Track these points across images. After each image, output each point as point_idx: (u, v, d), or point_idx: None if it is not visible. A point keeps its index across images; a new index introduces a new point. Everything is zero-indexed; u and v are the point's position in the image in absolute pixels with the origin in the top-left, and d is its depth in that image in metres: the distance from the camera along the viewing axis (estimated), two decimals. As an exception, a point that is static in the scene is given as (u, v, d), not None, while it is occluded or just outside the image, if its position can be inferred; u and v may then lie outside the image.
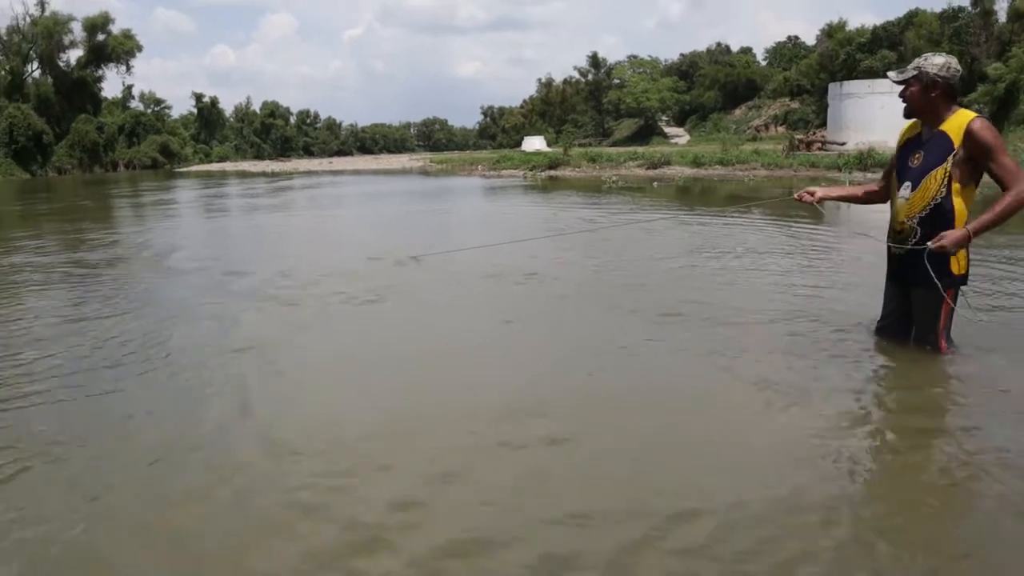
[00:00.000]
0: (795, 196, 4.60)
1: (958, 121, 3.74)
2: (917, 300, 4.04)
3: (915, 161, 3.92)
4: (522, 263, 7.48)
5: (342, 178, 35.63)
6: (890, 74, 4.03)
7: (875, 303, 4.51)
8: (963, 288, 3.95)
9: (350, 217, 15.07)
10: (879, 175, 19.13)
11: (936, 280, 3.80)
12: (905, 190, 3.95)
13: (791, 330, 4.83)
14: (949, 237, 3.72)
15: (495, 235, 9.70)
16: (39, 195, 30.07)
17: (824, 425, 3.32)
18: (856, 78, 40.61)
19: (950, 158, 3.75)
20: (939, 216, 3.81)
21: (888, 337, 4.33)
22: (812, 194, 4.49)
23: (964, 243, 3.75)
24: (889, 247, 4.15)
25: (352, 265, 7.99)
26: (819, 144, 33.11)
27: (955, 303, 3.94)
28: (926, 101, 3.84)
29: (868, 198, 4.49)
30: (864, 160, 23.31)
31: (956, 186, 3.76)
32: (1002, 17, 44.20)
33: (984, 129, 3.67)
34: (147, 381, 4.20)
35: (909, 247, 3.95)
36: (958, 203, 3.78)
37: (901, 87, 3.94)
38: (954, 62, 3.83)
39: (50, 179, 52.22)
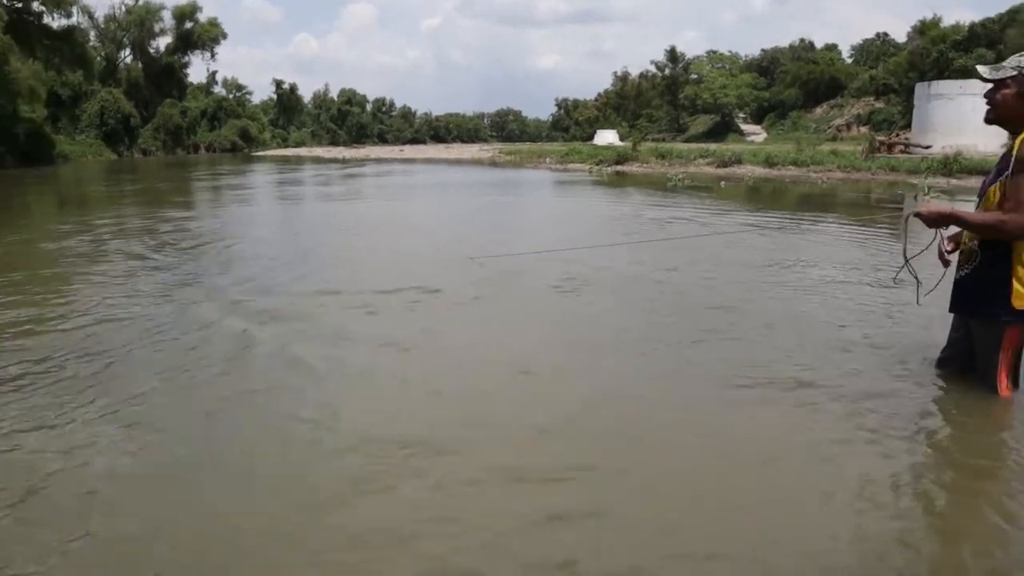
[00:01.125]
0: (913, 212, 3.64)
1: None
2: (975, 332, 3.60)
3: (990, 176, 3.50)
4: (583, 271, 7.11)
5: (411, 167, 35.93)
6: (980, 68, 3.41)
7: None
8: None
9: (413, 213, 14.67)
10: (966, 182, 18.25)
11: (992, 311, 3.40)
12: (973, 208, 3.57)
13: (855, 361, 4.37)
14: (930, 206, 3.45)
15: (547, 238, 9.62)
16: (124, 175, 31.23)
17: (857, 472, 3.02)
18: (949, 78, 38.60)
19: (1005, 175, 3.30)
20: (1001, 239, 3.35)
21: (948, 370, 3.87)
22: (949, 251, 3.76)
23: (940, 218, 3.43)
24: (956, 272, 3.67)
25: (411, 273, 7.20)
26: (901, 147, 31.65)
27: (1021, 342, 3.45)
28: (1020, 108, 3.28)
29: None
30: (950, 165, 22.10)
31: (1007, 205, 3.26)
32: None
33: None
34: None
35: (967, 271, 3.52)
36: None
37: (990, 86, 3.37)
38: None
39: (135, 160, 54.44)
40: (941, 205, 3.45)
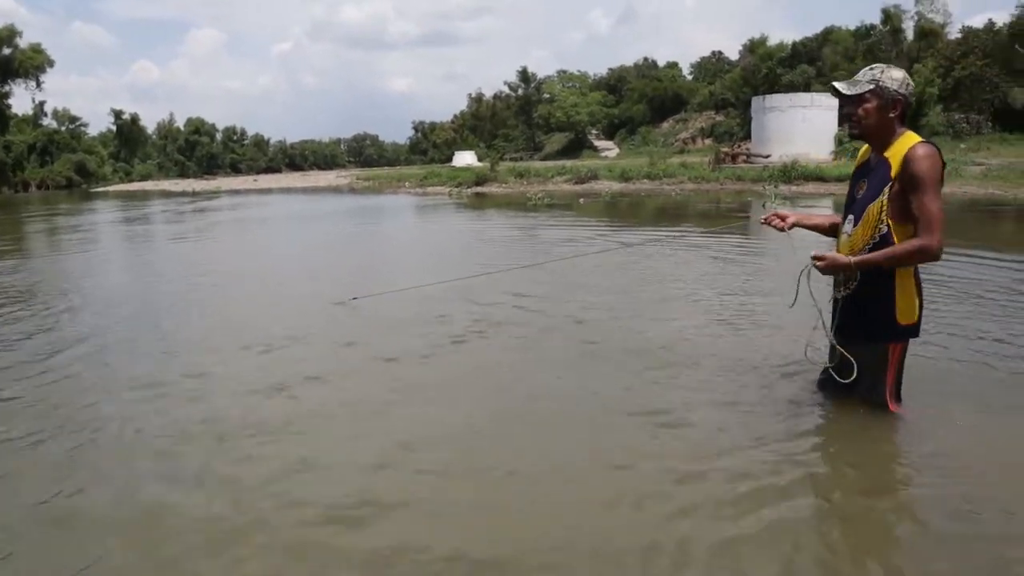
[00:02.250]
0: (762, 220, 3.81)
1: (902, 146, 3.14)
2: (860, 354, 3.44)
3: (859, 192, 3.34)
4: (463, 309, 6.35)
5: (266, 197, 34.46)
6: (837, 85, 3.30)
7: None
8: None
9: (273, 250, 13.19)
10: (804, 188, 19.22)
11: (874, 331, 3.33)
12: (848, 224, 3.38)
13: (728, 375, 4.30)
14: (829, 257, 3.29)
15: (416, 268, 9.18)
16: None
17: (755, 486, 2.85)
18: (778, 92, 41.47)
19: (886, 190, 3.17)
20: None
21: (830, 391, 3.72)
22: (783, 218, 3.68)
23: (840, 269, 3.29)
24: (833, 294, 3.54)
25: (276, 318, 6.40)
26: (744, 157, 33.58)
27: (903, 357, 3.39)
28: (883, 121, 3.20)
29: (833, 230, 3.68)
30: (788, 172, 23.57)
31: (892, 224, 3.16)
32: (910, 35, 45.97)
33: (924, 158, 3.05)
34: None
35: (846, 292, 3.39)
36: (898, 242, 3.18)
37: (850, 102, 3.24)
38: (909, 77, 3.26)
39: (-48, 201, 49.28)
40: (840, 258, 3.26)
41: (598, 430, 3.64)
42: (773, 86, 49.44)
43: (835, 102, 33.80)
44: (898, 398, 3.47)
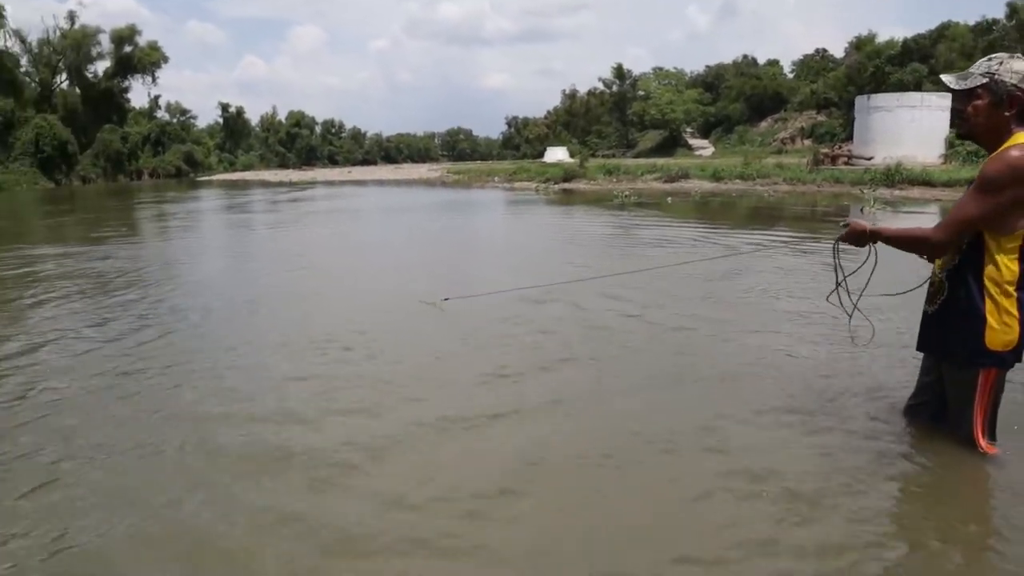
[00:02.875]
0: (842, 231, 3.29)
1: (1006, 147, 2.77)
2: (947, 376, 3.11)
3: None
4: (561, 322, 5.93)
5: (358, 189, 35.25)
6: (946, 78, 2.94)
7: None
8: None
9: (363, 246, 12.51)
10: (909, 192, 18.04)
11: (963, 353, 2.95)
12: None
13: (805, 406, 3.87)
14: (852, 223, 3.14)
15: (505, 268, 8.98)
16: (55, 205, 29.95)
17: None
18: (885, 91, 39.47)
19: None
20: (970, 267, 2.87)
21: (919, 419, 3.38)
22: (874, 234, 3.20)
23: (860, 236, 3.12)
24: (924, 307, 3.18)
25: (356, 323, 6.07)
26: (845, 158, 32.12)
27: (999, 388, 2.98)
28: (996, 120, 2.80)
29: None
30: (892, 176, 22.36)
31: (988, 232, 2.80)
32: (1038, 29, 42.94)
33: (999, 159, 2.72)
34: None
35: (937, 305, 3.03)
36: (993, 254, 2.80)
37: (960, 97, 2.89)
38: None
39: (73, 188, 52.62)
40: (859, 222, 3.13)
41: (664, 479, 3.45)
42: (880, 85, 47.10)
43: (947, 102, 32.03)
44: (991, 435, 3.06)
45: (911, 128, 31.38)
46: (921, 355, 3.34)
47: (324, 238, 13.72)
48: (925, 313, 3.14)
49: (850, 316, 3.52)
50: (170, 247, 12.72)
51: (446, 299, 6.02)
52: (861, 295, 3.49)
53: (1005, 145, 2.77)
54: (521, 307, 6.30)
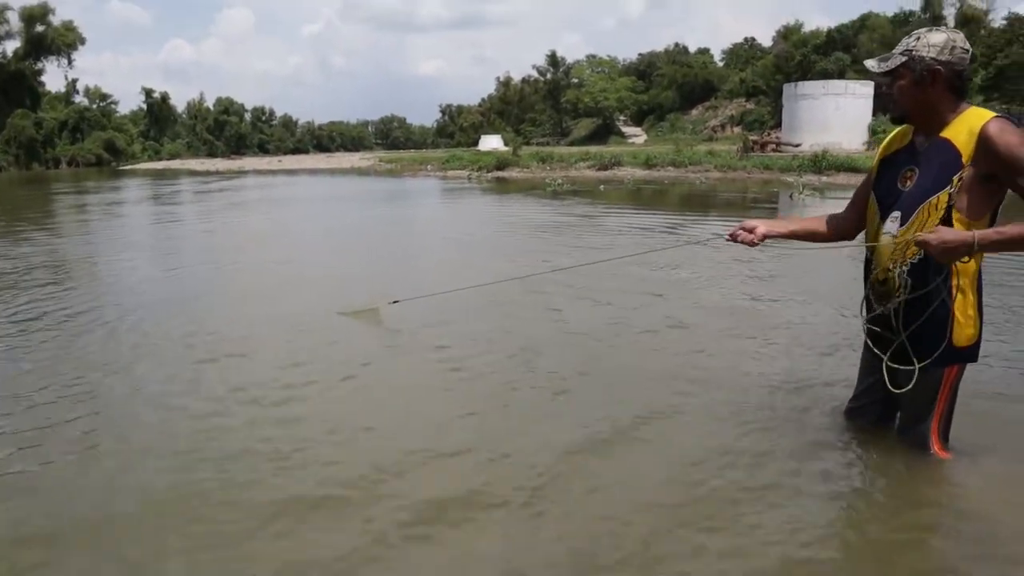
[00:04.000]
0: (727, 236, 3.13)
1: (968, 124, 2.59)
2: (904, 379, 2.83)
3: (906, 182, 2.74)
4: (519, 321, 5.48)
5: (285, 178, 34.28)
6: (869, 63, 2.78)
7: (851, 373, 3.36)
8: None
9: (295, 247, 10.63)
10: (835, 179, 18.06)
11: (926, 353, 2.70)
12: (892, 223, 2.76)
13: (740, 401, 3.69)
14: (941, 234, 2.53)
15: (447, 264, 8.24)
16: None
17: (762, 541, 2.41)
18: (811, 79, 40.41)
19: (955, 179, 2.57)
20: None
21: (861, 421, 3.18)
22: (752, 231, 3.02)
23: (961, 251, 2.53)
24: (867, 304, 2.93)
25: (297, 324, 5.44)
26: (774, 145, 32.73)
27: (956, 387, 2.79)
28: (922, 98, 2.65)
29: (836, 233, 3.07)
30: (819, 162, 22.85)
31: (959, 217, 2.58)
32: (951, 22, 44.53)
33: (1006, 133, 2.49)
34: None
35: (894, 305, 2.77)
36: None
37: (886, 80, 2.73)
38: (960, 39, 2.62)
39: (-17, 177, 49.90)
40: (962, 233, 2.52)
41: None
42: (806, 74, 48.27)
43: (869, 89, 32.98)
44: (946, 438, 2.88)
45: (836, 115, 32.19)
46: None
47: (254, 232, 12.86)
48: (875, 314, 2.88)
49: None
50: (74, 244, 11.95)
51: (395, 301, 5.28)
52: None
53: (968, 120, 2.57)
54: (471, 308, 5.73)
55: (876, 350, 2.90)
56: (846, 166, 22.30)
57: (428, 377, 4.24)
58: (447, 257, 9.03)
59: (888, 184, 2.81)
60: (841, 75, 44.16)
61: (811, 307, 5.61)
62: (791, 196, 16.48)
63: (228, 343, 4.94)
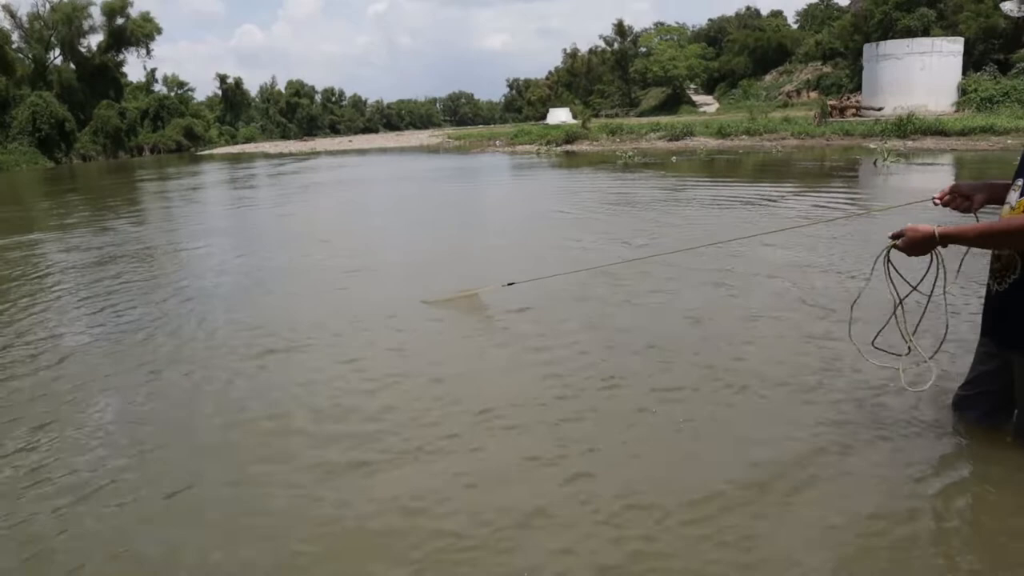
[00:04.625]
0: (936, 200, 2.81)
1: None
2: (1017, 367, 2.60)
3: None
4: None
5: (354, 159, 34.75)
6: (1006, 6, 2.53)
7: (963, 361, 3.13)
8: None
9: (374, 233, 10.12)
10: (922, 143, 17.17)
11: None
12: (1014, 192, 2.52)
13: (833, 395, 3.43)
14: (909, 230, 2.50)
15: (539, 246, 7.81)
16: (56, 184, 29.70)
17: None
18: (893, 39, 38.45)
19: None
20: None
21: (969, 414, 2.92)
22: (969, 196, 2.71)
23: (921, 244, 2.48)
24: (988, 284, 2.70)
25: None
26: (853, 110, 31.39)
27: None
28: None
29: None
30: (904, 126, 21.76)
31: None
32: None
33: None
34: None
35: (1008, 284, 2.53)
36: None
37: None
38: None
39: (74, 166, 52.25)
40: (921, 227, 2.49)
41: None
42: (888, 33, 45.91)
43: (959, 46, 31.19)
44: None
45: (922, 76, 30.57)
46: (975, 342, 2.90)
47: (331, 215, 12.97)
48: (990, 292, 2.67)
49: (908, 349, 2.91)
50: (157, 231, 12.40)
51: (510, 284, 5.07)
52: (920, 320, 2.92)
53: None
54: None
55: (990, 335, 2.70)
56: (934, 129, 21.20)
57: (539, 390, 3.73)
58: (544, 236, 8.62)
59: None
60: (926, 32, 41.84)
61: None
62: (874, 163, 15.77)
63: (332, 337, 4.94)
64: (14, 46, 55.19)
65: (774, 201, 10.68)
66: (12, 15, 59.78)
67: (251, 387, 4.02)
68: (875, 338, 3.00)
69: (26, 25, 61.55)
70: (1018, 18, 2.48)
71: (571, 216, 10.36)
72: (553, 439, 3.16)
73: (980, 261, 2.84)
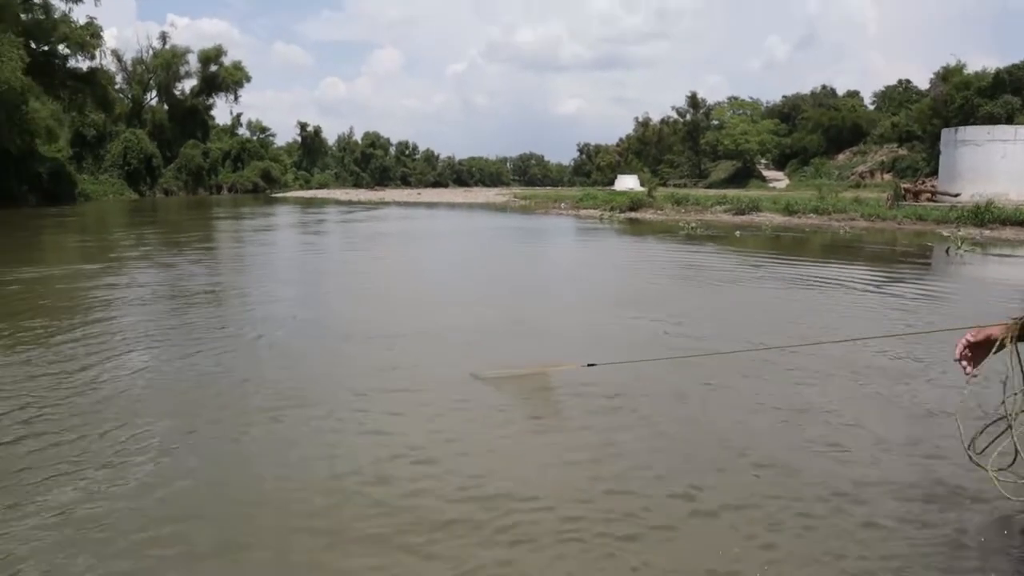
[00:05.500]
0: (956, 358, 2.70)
1: None
2: None
3: None
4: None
5: (419, 211, 35.42)
6: None
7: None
8: None
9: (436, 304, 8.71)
10: (1000, 233, 16.62)
11: None
12: None
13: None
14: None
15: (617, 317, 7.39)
16: (138, 216, 31.01)
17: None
18: (974, 124, 37.62)
19: None
20: None
21: None
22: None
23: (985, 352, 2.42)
24: None
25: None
26: (929, 194, 30.58)
27: None
28: None
29: None
30: (981, 215, 21.00)
31: None
32: None
33: None
34: None
35: None
36: None
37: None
38: None
39: (156, 199, 54.77)
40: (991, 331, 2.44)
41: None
42: (968, 118, 45.00)
43: (1043, 136, 30.24)
44: None
45: (1003, 164, 29.68)
46: None
47: (398, 273, 12.28)
48: None
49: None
50: (223, 272, 12.74)
51: (591, 364, 4.65)
52: None
53: None
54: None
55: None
56: (1014, 219, 20.40)
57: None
58: (624, 316, 7.77)
59: None
60: (1009, 120, 40.90)
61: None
62: (947, 251, 15.24)
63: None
64: (116, 87, 58.65)
65: (878, 282, 10.37)
66: (119, 59, 64.04)
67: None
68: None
69: (129, 68, 65.68)
70: None
71: (654, 289, 10.13)
72: None
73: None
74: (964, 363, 2.60)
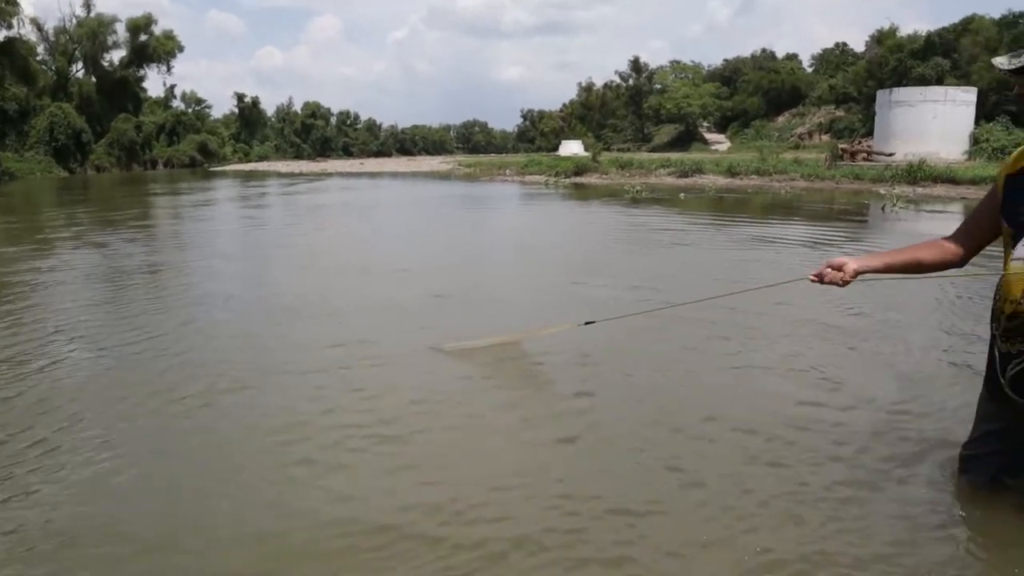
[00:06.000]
0: (812, 276, 2.73)
1: None
2: None
3: None
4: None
5: (368, 182, 34.89)
6: (998, 60, 2.39)
7: (964, 419, 2.96)
8: None
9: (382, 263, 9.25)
10: (932, 190, 17.15)
11: None
12: (1023, 249, 2.42)
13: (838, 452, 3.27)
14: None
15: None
16: (65, 194, 29.85)
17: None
18: (907, 86, 38.58)
19: None
20: None
21: (976, 475, 2.74)
22: (840, 268, 2.63)
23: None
24: (994, 342, 2.55)
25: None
26: (864, 154, 31.39)
27: None
28: None
29: (943, 261, 2.61)
30: (915, 173, 21.71)
31: None
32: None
33: None
34: None
35: None
36: None
37: (1015, 80, 2.38)
38: None
39: (87, 177, 52.68)
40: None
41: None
42: (902, 80, 46.09)
43: (972, 96, 31.25)
44: None
45: (934, 124, 30.61)
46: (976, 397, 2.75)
47: (343, 246, 11.95)
48: (1003, 351, 2.48)
49: None
50: (164, 250, 12.36)
51: (589, 322, 4.45)
52: None
53: None
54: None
55: (1014, 395, 2.46)
56: (945, 177, 21.13)
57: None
58: (579, 281, 7.66)
59: (1016, 209, 2.42)
60: (940, 81, 42.04)
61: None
62: (883, 208, 15.68)
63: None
64: (39, 58, 55.88)
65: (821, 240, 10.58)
66: (39, 28, 60.84)
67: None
68: None
69: (52, 38, 62.57)
70: (1008, 71, 2.35)
71: (590, 252, 10.22)
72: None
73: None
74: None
